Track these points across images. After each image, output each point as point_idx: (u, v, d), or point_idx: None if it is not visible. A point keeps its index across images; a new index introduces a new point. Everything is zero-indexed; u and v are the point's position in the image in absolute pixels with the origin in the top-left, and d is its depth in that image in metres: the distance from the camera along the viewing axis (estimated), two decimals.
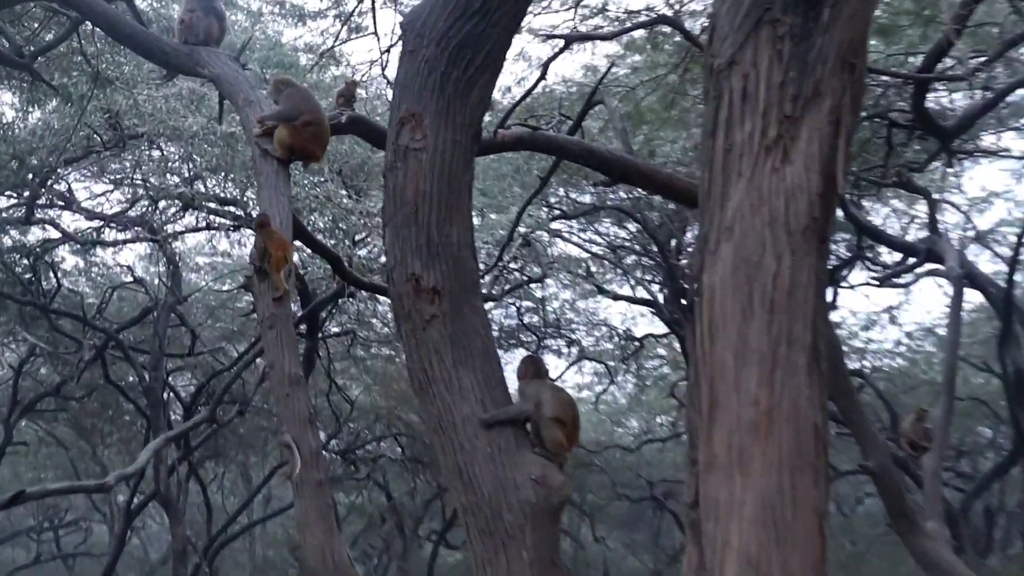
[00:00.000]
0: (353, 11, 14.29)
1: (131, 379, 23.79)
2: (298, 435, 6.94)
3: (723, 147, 3.93)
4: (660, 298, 23.15)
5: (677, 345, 24.34)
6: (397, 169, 5.29)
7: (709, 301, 3.93)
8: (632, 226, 21.93)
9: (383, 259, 17.61)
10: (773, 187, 3.80)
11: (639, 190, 16.54)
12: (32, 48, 11.58)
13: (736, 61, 3.92)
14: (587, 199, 20.58)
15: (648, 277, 24.02)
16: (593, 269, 23.01)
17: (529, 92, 10.67)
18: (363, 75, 13.28)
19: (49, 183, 16.26)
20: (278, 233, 7.32)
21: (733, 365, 3.76)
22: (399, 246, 5.26)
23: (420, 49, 5.30)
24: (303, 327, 18.94)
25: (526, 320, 24.29)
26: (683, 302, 21.71)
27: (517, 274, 19.69)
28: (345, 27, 14.32)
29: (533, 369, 5.68)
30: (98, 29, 10.72)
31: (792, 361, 3.70)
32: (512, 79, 16.78)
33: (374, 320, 23.03)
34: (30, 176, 15.43)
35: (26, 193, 16.42)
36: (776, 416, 3.66)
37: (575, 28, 13.30)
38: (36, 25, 12.74)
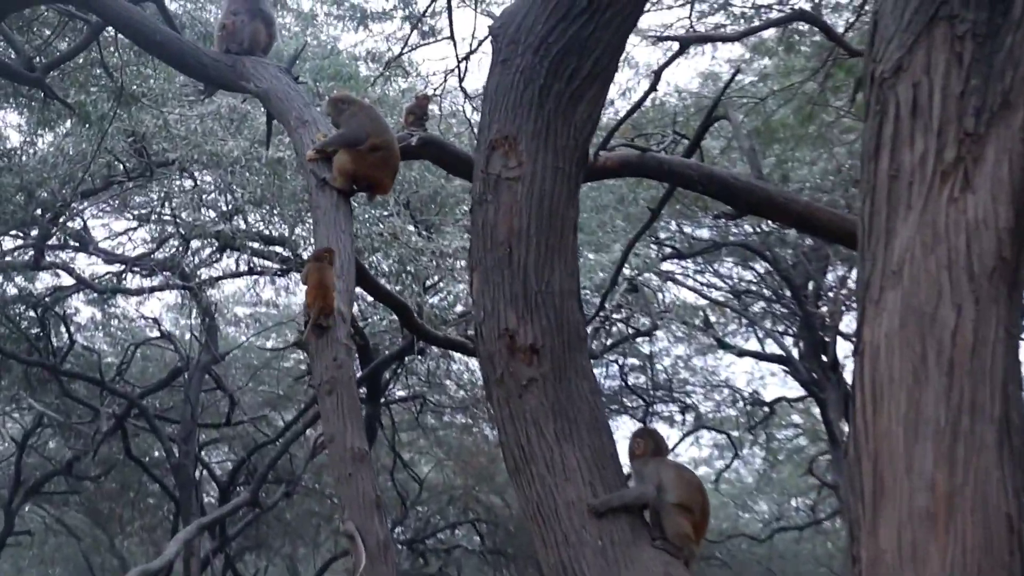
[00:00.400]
0: (425, 11, 14.43)
1: (157, 454, 24.10)
2: (363, 522, 6.92)
3: (888, 172, 3.88)
4: (795, 353, 22.96)
5: (816, 411, 24.08)
6: (487, 203, 5.31)
7: (871, 361, 3.86)
8: (760, 266, 21.82)
9: (458, 308, 17.76)
10: (951, 221, 3.75)
11: (769, 223, 16.46)
12: (44, 59, 11.79)
13: (904, 67, 3.89)
14: (705, 234, 20.52)
15: (780, 328, 23.84)
16: (712, 319, 22.89)
17: (637, 106, 10.63)
18: (437, 88, 13.35)
19: (62, 220, 16.53)
20: (328, 274, 7.29)
21: (903, 440, 3.69)
22: (489, 295, 5.26)
23: (514, 58, 5.32)
24: (363, 390, 19.05)
25: (631, 381, 24.22)
26: (823, 359, 21.49)
27: (621, 326, 19.69)
28: (415, 31, 14.45)
29: (651, 444, 5.63)
30: (122, 36, 10.89)
31: (977, 435, 3.62)
32: (616, 91, 16.81)
33: (447, 382, 23.10)
34: (39, 212, 15.67)
35: (34, 232, 16.70)
36: (958, 503, 3.58)
37: (692, 28, 13.32)
38: (49, 32, 12.98)
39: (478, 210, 5.36)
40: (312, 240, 9.85)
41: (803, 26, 13.64)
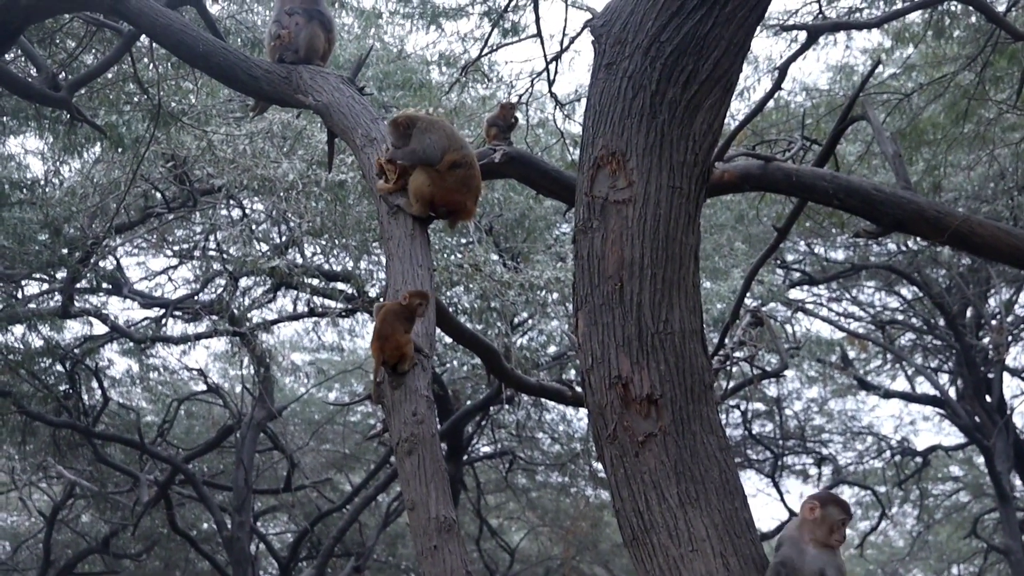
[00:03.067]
0: (507, 6, 14.46)
1: (206, 526, 24.27)
2: None
3: None
4: (952, 394, 22.75)
5: (980, 461, 23.85)
6: (592, 230, 5.34)
7: None
8: (908, 291, 21.66)
9: (552, 349, 17.80)
10: None
11: (918, 239, 16.35)
12: (69, 76, 11.92)
13: None
14: (840, 255, 20.42)
15: (933, 364, 23.64)
16: (851, 354, 22.76)
17: (759, 108, 10.60)
18: (522, 94, 13.40)
19: (92, 260, 16.63)
20: (387, 320, 7.26)
21: None
22: (598, 338, 5.28)
23: (621, 61, 5.35)
24: (443, 447, 19.10)
25: (756, 429, 24.12)
26: (987, 399, 21.28)
27: (744, 365, 19.63)
28: (496, 28, 14.47)
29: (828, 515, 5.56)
30: (159, 47, 11.02)
31: None
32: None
33: (540, 435, 23.12)
34: (66, 251, 15.82)
35: (62, 274, 16.87)
36: None
37: (821, 15, 13.27)
38: (74, 45, 13.13)
39: (582, 239, 5.39)
40: (384, 275, 9.92)
41: (955, 6, 13.52)
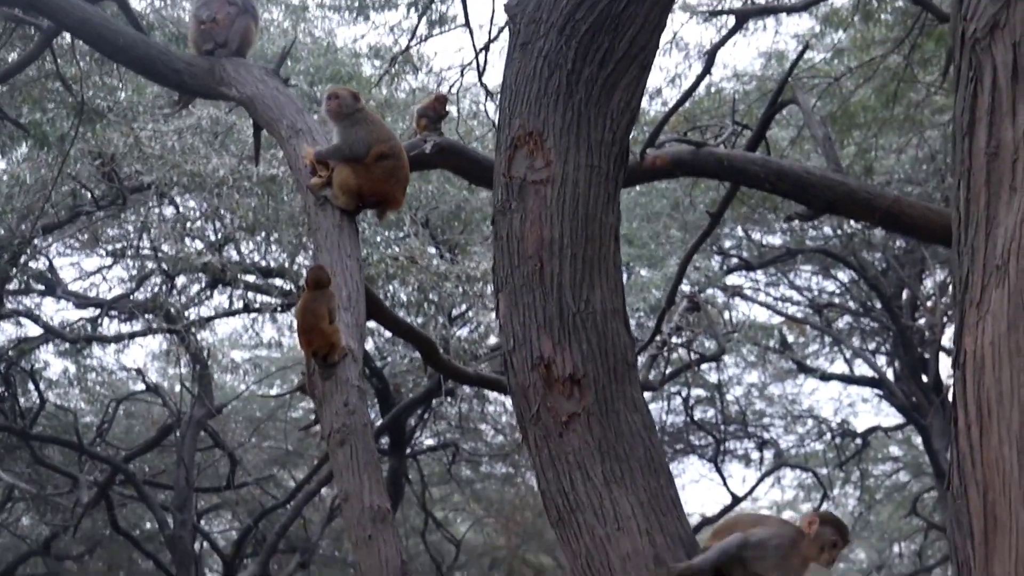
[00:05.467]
0: None
1: (149, 526, 24.09)
2: None
3: (986, 150, 3.83)
4: (890, 375, 22.86)
5: (918, 441, 23.95)
6: (511, 211, 5.29)
7: (975, 373, 3.83)
8: (844, 275, 21.72)
9: (491, 340, 17.72)
10: None
11: (852, 223, 16.42)
12: None
13: (1000, 23, 3.84)
14: (777, 240, 20.44)
15: (870, 346, 23.73)
16: (790, 338, 22.83)
17: (688, 94, 10.65)
18: (453, 85, 13.38)
19: (23, 260, 16.48)
20: (311, 306, 7.22)
21: (1017, 466, 3.65)
22: (519, 319, 5.24)
23: (536, 40, 5.30)
24: (385, 440, 19.02)
25: (698, 415, 24.13)
26: (923, 379, 21.37)
27: (682, 352, 19.68)
28: (423, 19, 14.44)
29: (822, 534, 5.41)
30: (81, 42, 10.90)
31: None
32: (664, 77, 16.75)
33: (483, 426, 23.08)
34: None
35: None
36: None
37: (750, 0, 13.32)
38: None
39: (501, 220, 5.34)
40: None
41: None
